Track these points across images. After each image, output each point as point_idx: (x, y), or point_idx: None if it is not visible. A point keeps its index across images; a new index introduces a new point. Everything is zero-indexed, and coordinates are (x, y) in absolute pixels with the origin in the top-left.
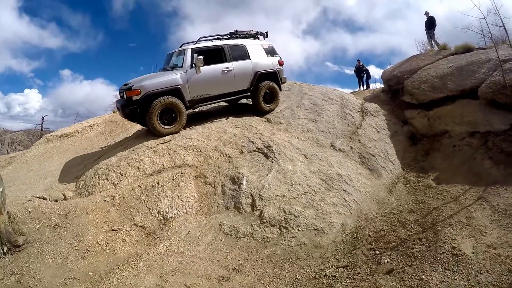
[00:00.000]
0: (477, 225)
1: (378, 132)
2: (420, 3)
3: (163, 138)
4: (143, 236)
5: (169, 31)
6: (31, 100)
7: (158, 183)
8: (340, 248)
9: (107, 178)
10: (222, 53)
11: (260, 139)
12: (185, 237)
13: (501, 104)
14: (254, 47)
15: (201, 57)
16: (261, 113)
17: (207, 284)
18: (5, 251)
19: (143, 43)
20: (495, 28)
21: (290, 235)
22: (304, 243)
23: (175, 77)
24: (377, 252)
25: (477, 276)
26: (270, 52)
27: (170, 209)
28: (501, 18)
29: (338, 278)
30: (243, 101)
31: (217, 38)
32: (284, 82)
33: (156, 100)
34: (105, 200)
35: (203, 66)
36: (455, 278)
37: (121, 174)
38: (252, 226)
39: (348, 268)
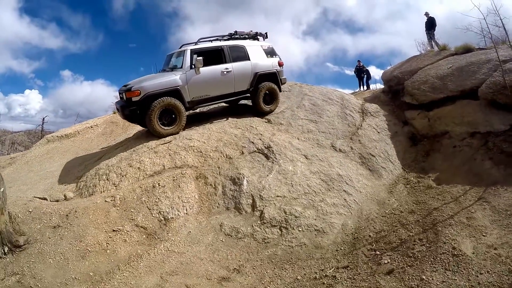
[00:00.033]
0: (477, 225)
1: (378, 132)
2: (420, 3)
3: (164, 138)
4: (144, 236)
5: (169, 31)
6: (32, 101)
7: (158, 183)
8: (341, 249)
9: (107, 179)
10: (222, 54)
11: (260, 139)
12: (185, 238)
13: (501, 105)
14: (253, 48)
15: (201, 58)
16: (261, 114)
17: (207, 285)
18: (6, 251)
19: (143, 43)
20: (495, 28)
21: (290, 235)
22: (305, 244)
23: (174, 78)
24: (378, 252)
25: (477, 276)
26: (270, 53)
27: (170, 210)
28: (501, 19)
29: (339, 278)
30: (243, 101)
31: (217, 39)
32: (284, 83)
33: (156, 101)
34: (105, 201)
35: (202, 67)
36: (456, 278)
37: (121, 175)
38: (252, 226)
39: (349, 268)
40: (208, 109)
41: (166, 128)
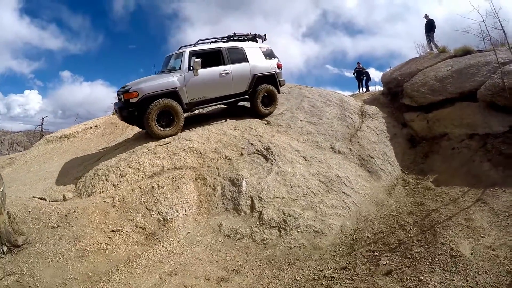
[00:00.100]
0: (475, 226)
1: (377, 134)
2: (420, 6)
3: (163, 140)
4: (143, 237)
5: (169, 33)
6: (31, 101)
7: (157, 184)
8: (339, 250)
9: (106, 179)
10: (220, 55)
11: (259, 141)
12: (184, 238)
13: (500, 107)
14: (252, 50)
15: (199, 59)
16: (259, 116)
17: (206, 285)
18: (4, 251)
19: (143, 45)
20: (494, 30)
21: (289, 236)
22: (303, 245)
23: (172, 79)
24: (376, 253)
25: (475, 277)
26: (269, 55)
27: (169, 210)
28: (499, 21)
29: (337, 279)
30: (242, 103)
31: (215, 41)
32: (283, 85)
33: (154, 102)
34: (104, 201)
35: (201, 68)
36: (454, 279)
37: (120, 176)
38: (251, 227)
39: (347, 269)
40: (207, 111)
41: (164, 129)
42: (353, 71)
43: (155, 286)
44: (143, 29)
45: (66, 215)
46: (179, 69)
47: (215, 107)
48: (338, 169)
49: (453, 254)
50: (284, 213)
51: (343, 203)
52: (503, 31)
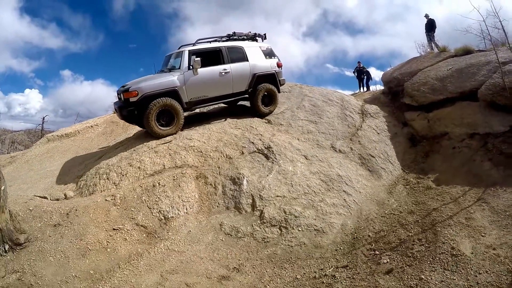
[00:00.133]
0: (476, 226)
1: (378, 133)
2: (420, 5)
3: (164, 138)
4: (144, 235)
5: (169, 32)
6: (32, 100)
7: (159, 183)
8: (340, 248)
9: (108, 178)
10: (220, 55)
11: (260, 140)
12: (185, 237)
13: (500, 106)
14: (252, 49)
15: (199, 59)
16: (259, 115)
17: (207, 283)
18: (6, 249)
19: (144, 44)
20: (495, 30)
21: (290, 235)
22: (304, 243)
23: (172, 79)
24: (377, 252)
25: (476, 276)
26: (269, 54)
27: (171, 209)
28: (500, 21)
29: (338, 278)
30: (243, 102)
31: (215, 40)
32: (283, 84)
33: (153, 101)
34: (106, 200)
35: (200, 68)
36: (454, 278)
37: (122, 174)
38: (252, 226)
39: (348, 268)
40: (208, 110)
41: (163, 128)
42: (353, 70)
43: (157, 284)
44: (143, 28)
45: (67, 214)
46: (179, 68)
47: (216, 106)
48: (339, 168)
49: (454, 253)
50: (285, 212)
51: (344, 202)
52: (504, 30)
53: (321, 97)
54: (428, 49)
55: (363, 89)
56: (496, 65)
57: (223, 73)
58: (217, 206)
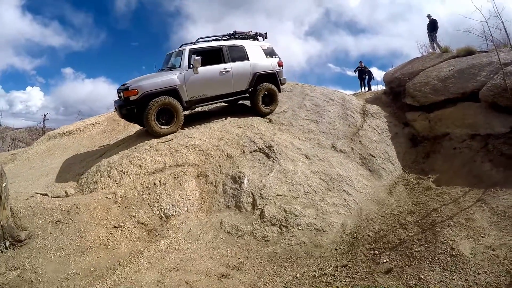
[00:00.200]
0: (476, 226)
1: (379, 133)
2: (422, 5)
3: (165, 137)
4: (145, 233)
5: (171, 30)
6: (33, 98)
7: (159, 181)
8: (340, 248)
9: (109, 176)
10: (221, 53)
11: (261, 139)
12: (186, 235)
13: (502, 107)
14: (253, 48)
15: (199, 57)
16: (260, 114)
17: (207, 281)
18: (7, 245)
19: (146, 42)
20: (497, 31)
21: (290, 234)
22: (304, 242)
23: (172, 77)
24: (377, 252)
25: (475, 276)
26: (270, 53)
27: (171, 207)
28: (502, 22)
29: (337, 277)
30: (244, 101)
31: (216, 39)
32: (284, 84)
33: (153, 100)
34: (106, 197)
35: (201, 66)
36: (453, 278)
37: (123, 172)
38: (252, 224)
39: (348, 267)
40: (209, 108)
41: (163, 127)
42: (354, 70)
43: (157, 281)
44: (145, 27)
45: (68, 211)
46: (179, 67)
47: (216, 105)
48: (339, 168)
49: (453, 253)
50: (285, 211)
51: (344, 202)
52: (506, 32)
53: (322, 97)
54: (430, 50)
55: (365, 89)
56: (498, 66)
57: (224, 72)
58: (218, 205)
